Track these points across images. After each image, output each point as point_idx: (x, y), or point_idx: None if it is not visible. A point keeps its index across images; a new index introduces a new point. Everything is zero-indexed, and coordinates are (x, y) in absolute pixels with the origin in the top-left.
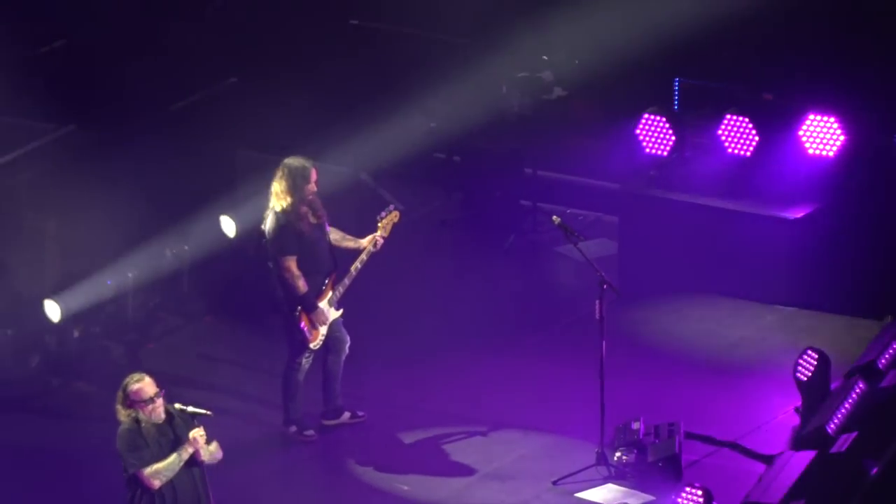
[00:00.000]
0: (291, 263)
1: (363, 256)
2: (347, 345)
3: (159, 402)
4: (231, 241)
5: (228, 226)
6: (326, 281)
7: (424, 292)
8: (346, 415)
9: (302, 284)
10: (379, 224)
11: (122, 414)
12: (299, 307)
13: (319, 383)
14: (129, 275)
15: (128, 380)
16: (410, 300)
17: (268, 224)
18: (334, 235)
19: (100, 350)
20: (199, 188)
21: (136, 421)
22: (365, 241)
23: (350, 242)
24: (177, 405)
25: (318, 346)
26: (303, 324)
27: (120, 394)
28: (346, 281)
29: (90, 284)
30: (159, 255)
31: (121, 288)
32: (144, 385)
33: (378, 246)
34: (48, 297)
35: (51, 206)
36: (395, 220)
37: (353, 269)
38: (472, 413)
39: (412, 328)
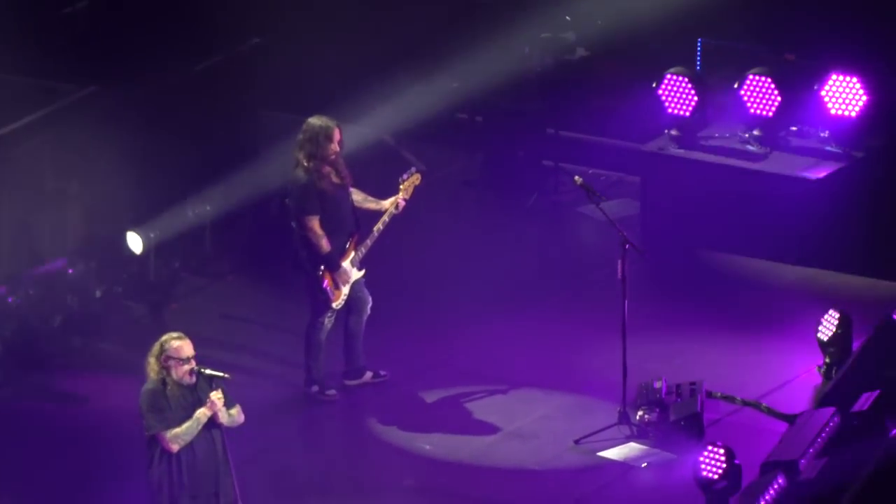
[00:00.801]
0: (314, 223)
1: (385, 217)
2: (369, 305)
3: (193, 364)
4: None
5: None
6: (349, 241)
7: (447, 253)
8: (368, 374)
9: (325, 244)
10: (401, 186)
11: (153, 369)
12: (322, 266)
13: (341, 343)
14: (151, 235)
15: (167, 336)
16: (433, 261)
17: (290, 183)
18: (356, 196)
19: (122, 310)
20: (223, 149)
21: (163, 382)
22: (387, 203)
23: (372, 204)
24: (196, 367)
25: (340, 306)
26: (326, 283)
27: (156, 348)
28: (369, 242)
29: (111, 246)
30: (181, 215)
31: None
32: (184, 344)
33: (400, 208)
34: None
35: (73, 167)
36: (417, 182)
37: (375, 229)
38: (494, 372)
39: (434, 288)
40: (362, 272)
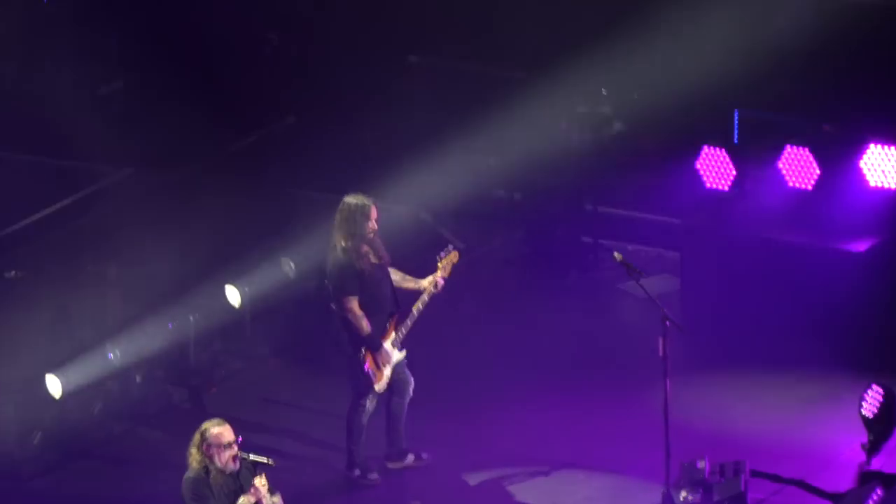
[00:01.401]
0: (353, 303)
1: (424, 297)
2: (412, 386)
3: (235, 449)
4: (292, 283)
5: (233, 296)
6: (389, 321)
7: (487, 332)
8: (411, 457)
9: (365, 325)
10: (439, 264)
11: (195, 459)
12: (364, 348)
13: (383, 426)
14: (191, 318)
15: (207, 424)
16: (473, 341)
17: (328, 264)
18: (395, 276)
19: (162, 395)
20: (259, 229)
21: (206, 470)
22: (425, 282)
23: (410, 283)
24: (238, 452)
25: (383, 389)
26: (367, 365)
27: (197, 437)
28: (409, 322)
29: (151, 330)
30: (218, 298)
31: (182, 332)
32: (224, 430)
33: (439, 287)
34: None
35: (111, 250)
36: (455, 259)
37: (414, 309)
38: (536, 453)
39: (476, 369)
40: (403, 353)
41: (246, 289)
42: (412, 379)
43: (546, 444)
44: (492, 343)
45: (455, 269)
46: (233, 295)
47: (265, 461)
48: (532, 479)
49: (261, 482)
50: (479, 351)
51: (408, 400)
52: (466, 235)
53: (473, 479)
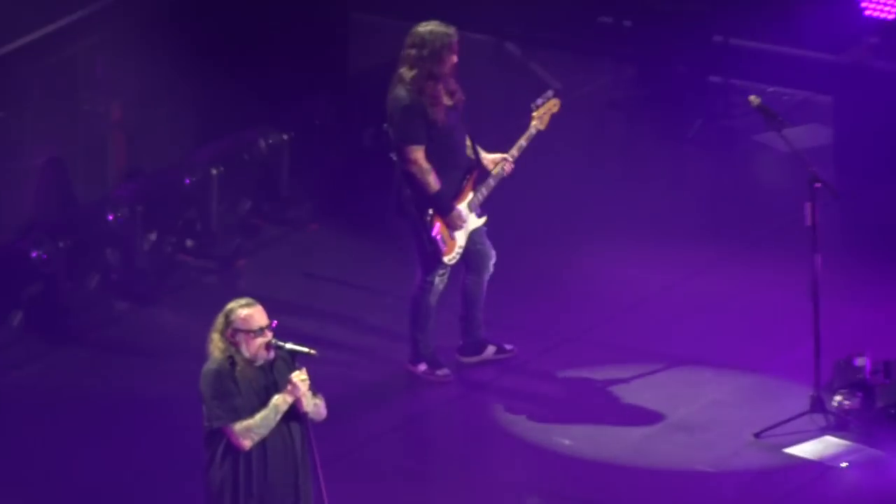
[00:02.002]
0: (419, 154)
1: (514, 151)
2: (492, 261)
3: (269, 336)
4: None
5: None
6: (466, 179)
7: (587, 194)
8: (491, 349)
9: (433, 180)
10: (534, 114)
11: (218, 347)
12: (431, 209)
13: (456, 309)
14: (213, 171)
15: (233, 304)
16: (570, 205)
17: (390, 104)
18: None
19: (176, 266)
20: (303, 63)
21: (231, 361)
22: (498, 157)
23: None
24: (273, 340)
25: (454, 261)
26: (436, 231)
27: (220, 320)
28: (492, 181)
29: (162, 185)
30: (248, 147)
31: (202, 188)
32: (255, 312)
33: (530, 139)
34: None
35: (114, 86)
36: (555, 108)
37: (498, 167)
38: (649, 346)
39: (572, 240)
40: (483, 219)
41: (284, 136)
42: (493, 252)
43: (662, 333)
44: (593, 208)
45: (554, 118)
46: (267, 143)
47: (306, 351)
48: (644, 377)
49: (300, 377)
50: (577, 219)
51: (487, 277)
52: (564, 73)
53: (570, 378)
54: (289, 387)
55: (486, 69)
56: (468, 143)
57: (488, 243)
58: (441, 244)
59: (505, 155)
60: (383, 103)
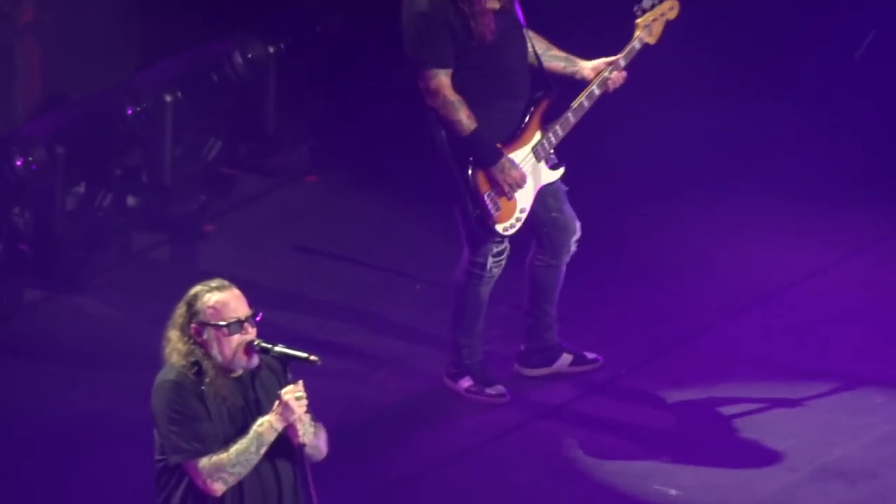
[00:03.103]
0: (442, 81)
1: (606, 74)
2: (574, 237)
3: (250, 334)
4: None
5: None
6: (530, 112)
7: (698, 137)
8: (566, 359)
9: (465, 118)
10: (638, 20)
11: (177, 350)
12: (472, 160)
13: (517, 303)
14: (168, 98)
15: (199, 287)
16: (672, 156)
17: (405, 12)
18: (539, 44)
19: (113, 235)
20: None
21: (196, 369)
22: (594, 64)
23: (560, 63)
24: (257, 341)
25: (512, 231)
26: (482, 191)
27: (181, 311)
28: (571, 118)
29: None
30: (219, 65)
31: (152, 120)
32: (230, 298)
33: (630, 57)
34: None
35: None
36: (671, 13)
37: (576, 104)
38: (788, 357)
39: (680, 208)
40: (559, 172)
41: (270, 49)
42: (576, 222)
43: (807, 340)
44: (707, 161)
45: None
46: (243, 59)
47: (303, 357)
48: (783, 403)
49: (295, 394)
50: (683, 176)
51: (566, 259)
52: None
53: (673, 400)
54: (278, 407)
55: None
56: (534, 52)
57: (569, 210)
58: (490, 207)
59: (612, 59)
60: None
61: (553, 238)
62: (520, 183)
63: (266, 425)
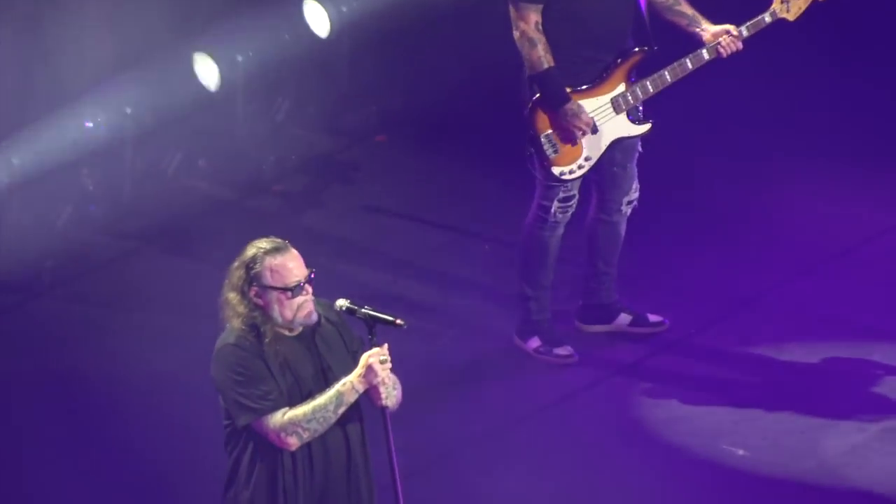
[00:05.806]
0: (530, 16)
1: (704, 53)
2: (629, 197)
3: (308, 293)
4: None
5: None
6: (616, 63)
7: (783, 102)
8: (625, 318)
9: (540, 55)
10: None
11: (238, 311)
12: (535, 98)
13: (581, 259)
14: (239, 58)
15: (255, 248)
16: (753, 119)
17: None
18: None
19: (187, 193)
20: None
21: (256, 331)
22: (715, 30)
23: (682, 19)
24: (340, 302)
25: (574, 177)
26: (542, 130)
27: (239, 273)
28: (668, 75)
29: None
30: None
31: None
32: (288, 259)
33: (757, 28)
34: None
35: None
36: None
37: (687, 59)
38: (853, 313)
39: (755, 168)
40: (642, 128)
41: (343, 8)
42: (636, 183)
43: (883, 298)
44: (791, 123)
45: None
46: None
47: (390, 320)
48: (855, 362)
49: (380, 355)
50: (764, 135)
51: (626, 214)
52: None
53: (742, 360)
54: (361, 370)
55: None
56: (647, 6)
57: (632, 169)
58: (546, 148)
59: (729, 27)
60: None
61: (605, 192)
62: (584, 130)
63: (348, 385)
